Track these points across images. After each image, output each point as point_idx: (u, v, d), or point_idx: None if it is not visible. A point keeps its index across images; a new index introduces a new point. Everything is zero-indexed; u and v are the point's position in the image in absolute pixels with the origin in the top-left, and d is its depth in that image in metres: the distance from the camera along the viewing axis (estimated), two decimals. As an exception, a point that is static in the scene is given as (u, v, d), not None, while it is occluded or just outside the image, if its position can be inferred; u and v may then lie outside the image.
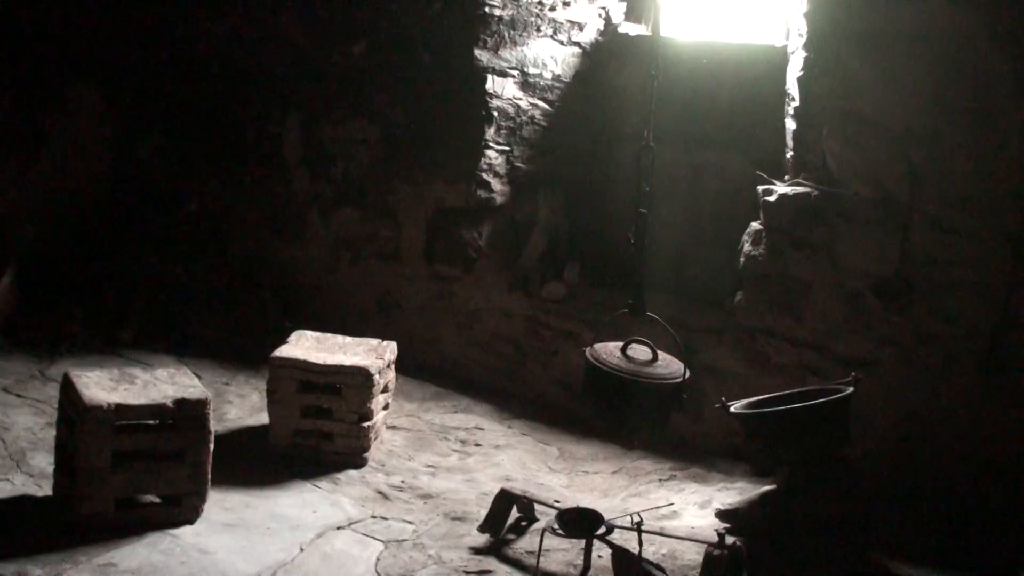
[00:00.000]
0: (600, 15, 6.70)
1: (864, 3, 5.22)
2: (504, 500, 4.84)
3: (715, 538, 4.42)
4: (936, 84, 5.04)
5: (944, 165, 5.07)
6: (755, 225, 5.71)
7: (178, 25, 7.35)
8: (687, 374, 4.93)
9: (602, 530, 4.55)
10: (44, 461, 5.05)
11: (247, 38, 7.15)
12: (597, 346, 5.01)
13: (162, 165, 7.50)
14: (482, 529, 4.84)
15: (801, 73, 5.54)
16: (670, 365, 4.94)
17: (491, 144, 6.54)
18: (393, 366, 5.80)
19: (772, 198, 5.57)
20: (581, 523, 4.59)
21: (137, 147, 7.54)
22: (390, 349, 5.76)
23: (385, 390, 5.69)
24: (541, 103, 6.66)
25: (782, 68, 5.83)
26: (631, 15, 6.74)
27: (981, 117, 4.96)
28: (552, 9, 6.55)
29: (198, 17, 7.30)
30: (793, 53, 5.69)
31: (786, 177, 5.64)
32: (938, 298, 5.13)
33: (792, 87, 5.65)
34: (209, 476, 4.72)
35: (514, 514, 4.86)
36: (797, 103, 5.59)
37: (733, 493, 5.25)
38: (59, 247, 7.21)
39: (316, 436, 5.43)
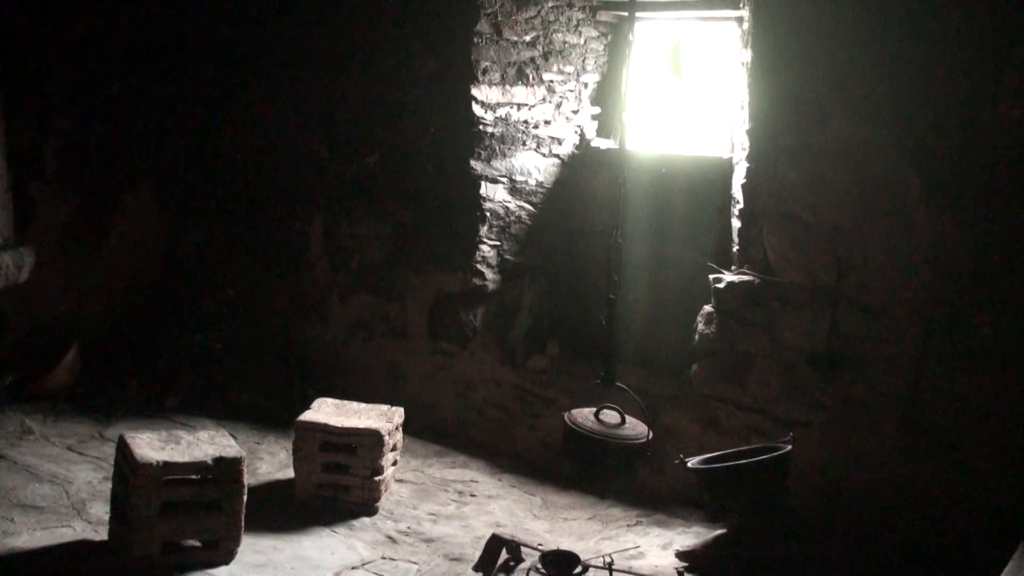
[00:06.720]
0: (576, 132, 6.79)
1: (796, 123, 5.31)
2: (495, 543, 4.84)
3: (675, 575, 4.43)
4: (857, 189, 5.12)
5: (865, 257, 5.14)
6: (707, 308, 5.75)
7: (221, 138, 7.44)
8: (650, 435, 4.95)
9: (579, 569, 4.54)
10: (101, 510, 5.03)
11: (280, 150, 7.23)
12: (574, 411, 5.03)
13: (205, 256, 7.55)
14: (476, 569, 4.83)
15: (745, 180, 5.62)
16: (636, 427, 4.97)
17: (484, 240, 6.57)
18: (401, 428, 5.80)
19: (721, 285, 5.62)
20: (561, 563, 4.59)
21: (185, 240, 7.59)
22: (398, 414, 5.77)
23: (394, 449, 5.69)
24: (527, 205, 6.71)
25: (729, 176, 5.90)
26: (602, 132, 6.83)
27: (894, 217, 5.04)
28: (536, 127, 6.63)
29: (239, 131, 7.38)
30: (738, 164, 5.77)
31: (733, 267, 5.69)
32: (861, 368, 5.18)
33: (737, 192, 5.73)
34: (242, 523, 4.71)
35: (503, 555, 4.84)
36: (741, 205, 5.66)
37: (690, 536, 5.24)
38: (117, 325, 7.22)
39: (334, 488, 5.43)
